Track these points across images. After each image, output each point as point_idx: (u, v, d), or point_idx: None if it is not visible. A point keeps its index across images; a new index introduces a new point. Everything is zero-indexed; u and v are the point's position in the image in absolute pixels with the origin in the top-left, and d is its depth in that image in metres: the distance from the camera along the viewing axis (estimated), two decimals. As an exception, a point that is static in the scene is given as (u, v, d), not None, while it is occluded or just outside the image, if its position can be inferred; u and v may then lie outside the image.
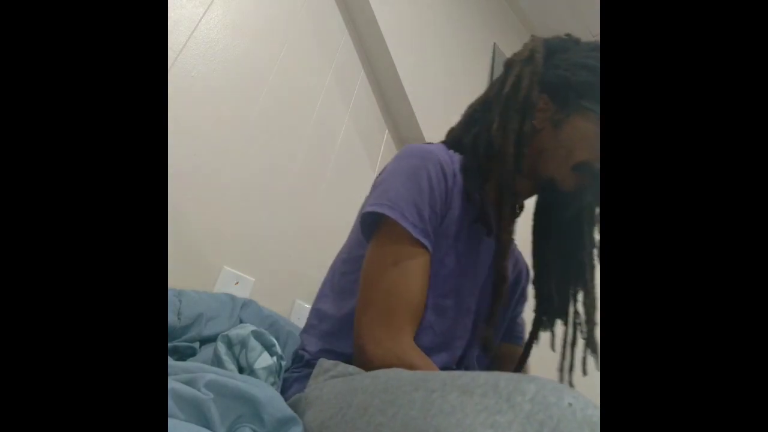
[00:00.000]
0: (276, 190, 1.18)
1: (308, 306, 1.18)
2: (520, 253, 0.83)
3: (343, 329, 0.64)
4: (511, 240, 0.66)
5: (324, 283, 0.76)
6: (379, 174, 0.69)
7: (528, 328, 0.77)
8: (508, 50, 2.10)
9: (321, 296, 0.74)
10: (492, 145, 0.65)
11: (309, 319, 0.73)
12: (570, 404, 0.32)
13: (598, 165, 0.62)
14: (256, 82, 1.18)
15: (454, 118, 0.75)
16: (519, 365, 0.75)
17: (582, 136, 0.64)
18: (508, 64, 0.72)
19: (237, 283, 1.05)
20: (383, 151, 1.47)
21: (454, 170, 0.65)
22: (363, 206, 0.68)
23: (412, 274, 0.58)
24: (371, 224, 0.63)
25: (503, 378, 0.36)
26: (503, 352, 0.80)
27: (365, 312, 0.57)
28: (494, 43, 2.04)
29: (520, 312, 0.85)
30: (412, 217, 0.59)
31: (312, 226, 1.24)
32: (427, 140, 1.45)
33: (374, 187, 0.67)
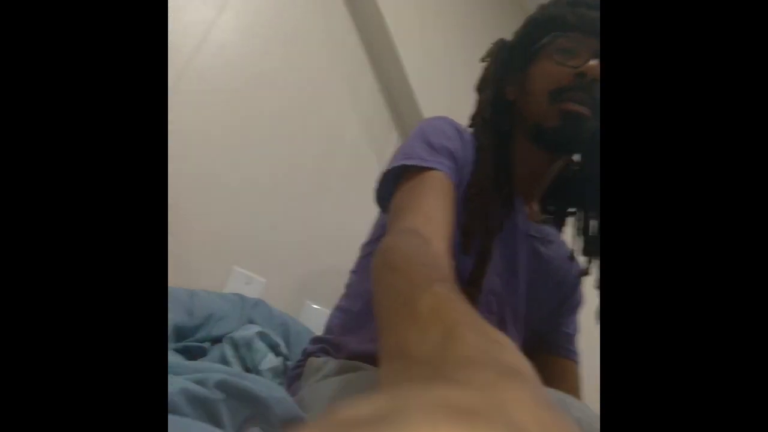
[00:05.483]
0: (286, 190, 1.19)
1: (318, 307, 1.18)
2: (569, 255, 0.73)
3: (360, 319, 0.62)
4: (482, 202, 0.59)
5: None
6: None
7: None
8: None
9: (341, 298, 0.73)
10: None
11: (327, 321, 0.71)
12: (579, 418, 0.31)
13: (573, 85, 0.59)
14: (267, 84, 1.19)
15: (463, 119, 0.75)
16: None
17: (543, 73, 0.63)
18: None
19: (248, 283, 1.06)
20: (391, 152, 1.47)
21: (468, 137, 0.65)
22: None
23: (427, 195, 0.53)
24: (388, 189, 0.61)
25: None
26: (551, 366, 0.70)
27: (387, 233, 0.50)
28: (505, 44, 2.03)
29: (569, 321, 0.74)
30: (420, 153, 0.57)
31: (322, 227, 1.24)
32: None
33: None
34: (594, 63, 0.59)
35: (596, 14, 0.61)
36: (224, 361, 0.59)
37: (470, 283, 0.57)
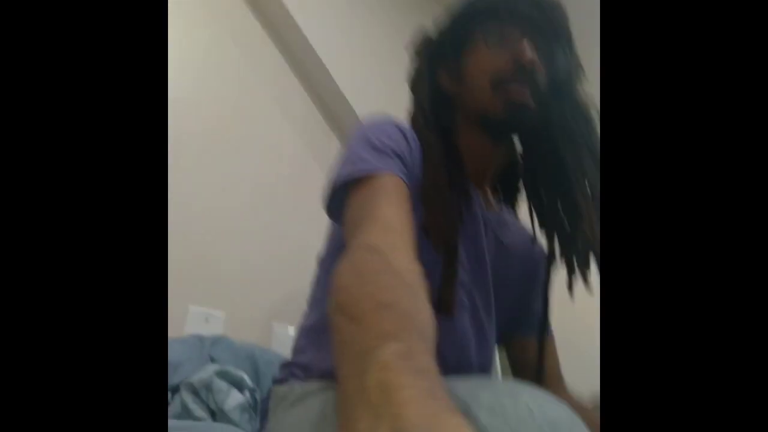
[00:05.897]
0: (231, 217, 1.14)
1: (290, 329, 1.14)
2: (534, 239, 0.72)
3: (323, 335, 0.59)
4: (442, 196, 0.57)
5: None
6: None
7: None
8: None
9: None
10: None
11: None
12: (528, 406, 0.32)
13: (514, 70, 0.59)
14: (192, 112, 1.14)
15: (397, 111, 0.74)
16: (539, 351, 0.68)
17: (480, 61, 0.63)
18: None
19: (207, 320, 0.99)
20: (334, 158, 1.45)
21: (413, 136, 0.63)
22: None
23: (381, 202, 0.50)
24: (338, 199, 0.56)
25: (461, 387, 0.35)
26: (528, 349, 0.70)
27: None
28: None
29: (537, 298, 0.72)
30: (366, 158, 0.54)
31: (275, 247, 1.20)
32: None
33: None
34: (528, 48, 0.59)
35: (524, 3, 0.62)
36: (185, 408, 0.54)
37: (444, 282, 0.55)
